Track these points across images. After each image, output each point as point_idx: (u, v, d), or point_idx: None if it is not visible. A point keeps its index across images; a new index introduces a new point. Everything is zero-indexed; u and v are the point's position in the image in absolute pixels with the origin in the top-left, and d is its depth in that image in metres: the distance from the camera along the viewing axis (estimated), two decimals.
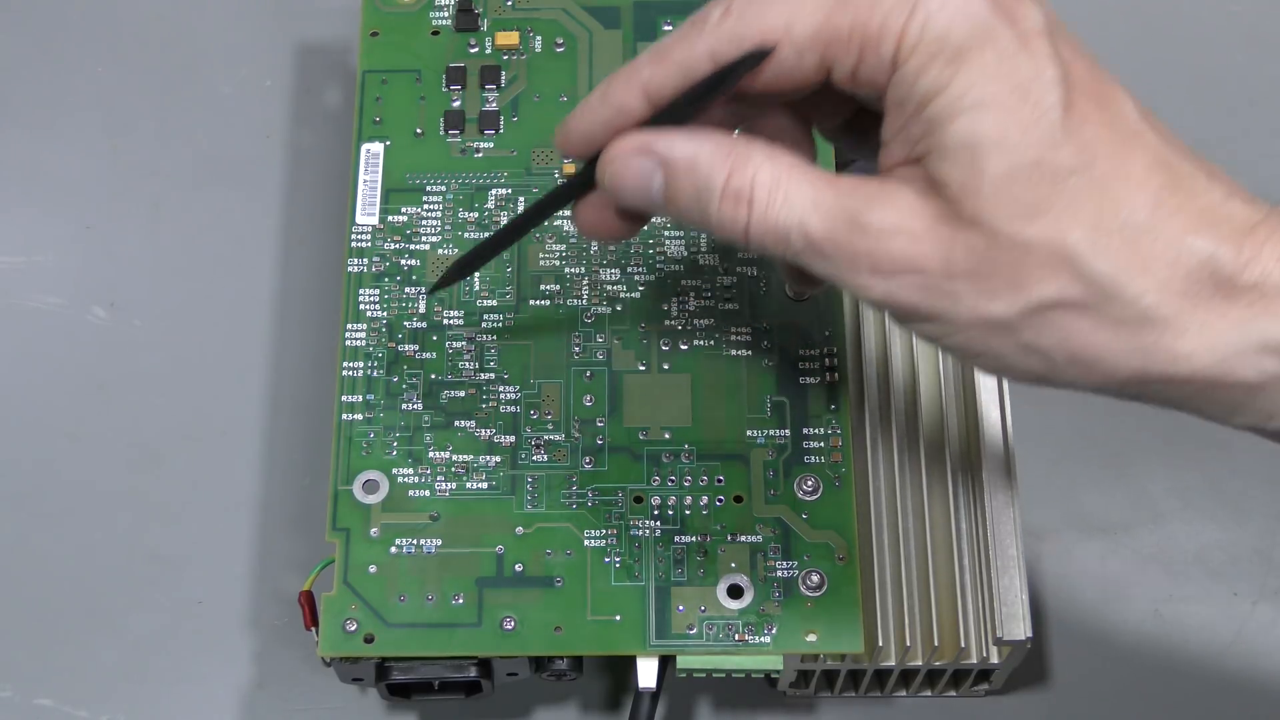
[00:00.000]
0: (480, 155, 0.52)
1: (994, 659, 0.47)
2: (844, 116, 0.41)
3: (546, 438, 0.48)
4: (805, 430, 0.48)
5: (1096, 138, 0.35)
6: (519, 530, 0.47)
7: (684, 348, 0.49)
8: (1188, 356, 0.35)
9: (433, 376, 0.49)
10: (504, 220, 0.51)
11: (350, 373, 0.49)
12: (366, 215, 0.51)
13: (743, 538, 0.47)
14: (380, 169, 0.52)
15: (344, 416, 0.48)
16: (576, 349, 0.49)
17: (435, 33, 0.54)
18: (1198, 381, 0.35)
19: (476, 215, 0.51)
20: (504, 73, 0.54)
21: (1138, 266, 0.34)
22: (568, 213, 0.51)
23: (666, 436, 0.48)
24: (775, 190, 0.36)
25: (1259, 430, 0.36)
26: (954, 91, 0.34)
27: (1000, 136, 0.34)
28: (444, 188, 0.52)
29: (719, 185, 0.37)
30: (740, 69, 0.37)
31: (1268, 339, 0.34)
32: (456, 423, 0.48)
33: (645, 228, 0.43)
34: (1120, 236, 0.34)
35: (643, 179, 0.38)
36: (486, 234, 0.51)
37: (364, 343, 0.49)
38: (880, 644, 0.47)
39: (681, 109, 0.38)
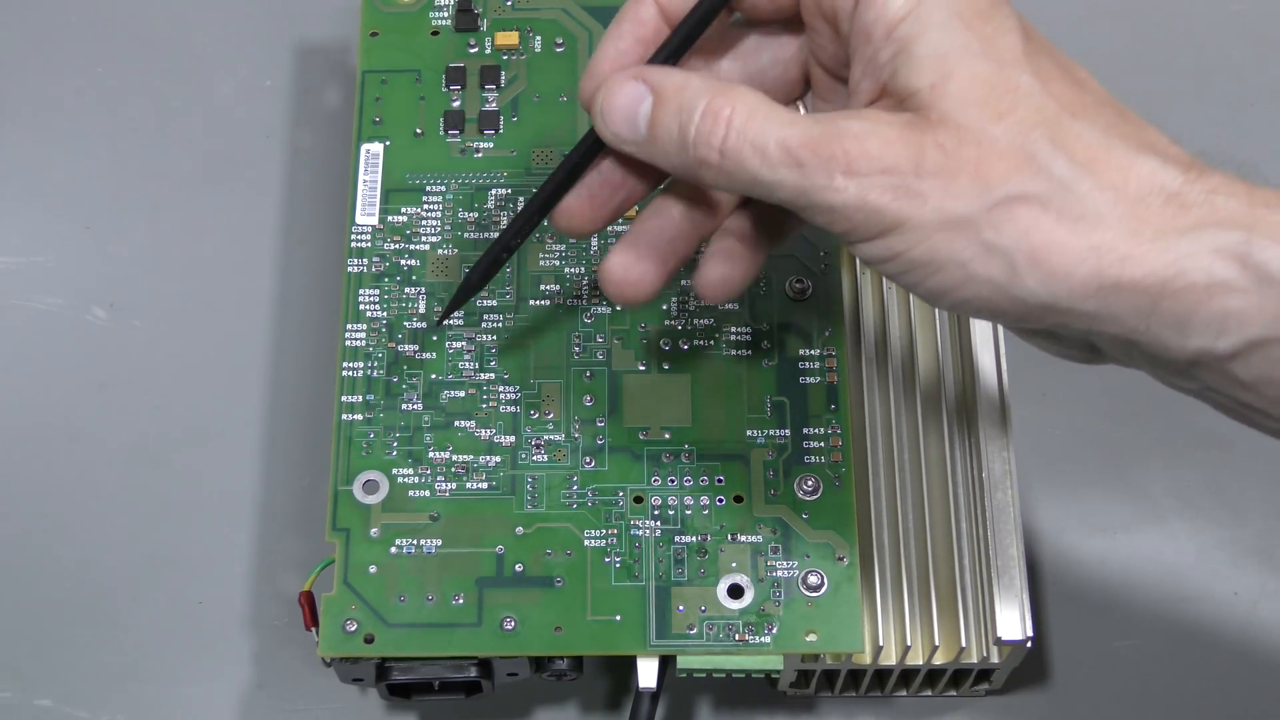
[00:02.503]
0: (480, 155, 0.52)
1: (994, 659, 0.47)
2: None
3: (546, 438, 0.48)
4: (805, 430, 0.48)
5: (1051, 70, 0.37)
6: (519, 530, 0.47)
7: (684, 348, 0.49)
8: (1140, 258, 0.35)
9: (433, 376, 0.49)
10: (503, 220, 0.51)
11: (350, 373, 0.49)
12: (366, 215, 0.51)
13: (743, 538, 0.47)
14: (380, 169, 0.52)
15: (344, 417, 0.48)
16: (576, 349, 0.49)
17: (435, 33, 0.54)
18: (1149, 286, 0.35)
19: (476, 215, 0.51)
20: (504, 73, 0.54)
21: (1095, 170, 0.36)
22: None
23: (666, 436, 0.48)
24: (755, 110, 0.38)
25: (1209, 357, 0.36)
26: (922, 11, 0.37)
27: (967, 48, 0.37)
28: (444, 188, 0.52)
29: (701, 106, 0.38)
30: None
31: (1218, 243, 0.35)
32: (456, 423, 0.48)
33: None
34: (1078, 143, 0.36)
35: (632, 102, 0.39)
36: (489, 233, 0.51)
37: (364, 343, 0.49)
38: (880, 644, 0.47)
39: (680, 41, 0.41)
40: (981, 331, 0.50)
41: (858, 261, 0.51)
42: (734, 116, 0.38)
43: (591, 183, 0.42)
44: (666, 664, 0.46)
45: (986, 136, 0.36)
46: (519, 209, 0.51)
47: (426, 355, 0.49)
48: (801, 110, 0.42)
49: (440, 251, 0.51)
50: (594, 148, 0.41)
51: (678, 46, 0.41)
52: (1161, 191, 0.36)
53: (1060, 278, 0.36)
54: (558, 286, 0.50)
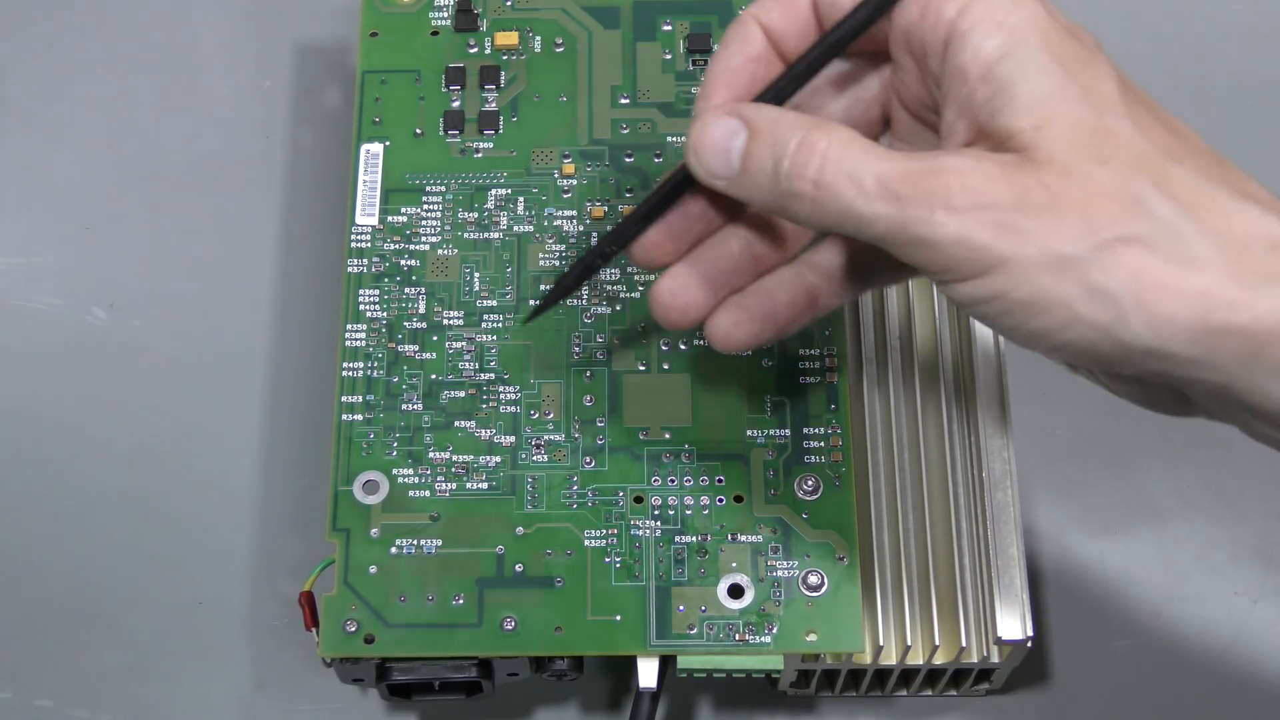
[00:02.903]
0: (480, 155, 0.52)
1: (994, 658, 0.47)
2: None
3: (546, 438, 0.48)
4: (805, 430, 0.48)
5: (1149, 119, 0.37)
6: (519, 530, 0.47)
7: (684, 348, 0.49)
8: (1246, 304, 0.35)
9: (433, 377, 0.49)
10: (503, 220, 0.51)
11: (350, 373, 0.49)
12: (366, 215, 0.51)
13: (743, 538, 0.47)
14: (380, 169, 0.52)
15: (344, 417, 0.48)
16: (576, 349, 0.49)
17: (435, 33, 0.54)
18: (1254, 333, 0.35)
19: (476, 215, 0.51)
20: (503, 73, 0.54)
21: (1199, 214, 0.36)
22: (568, 211, 0.51)
23: (666, 436, 0.48)
24: (852, 143, 0.37)
25: None
26: (1021, 54, 0.37)
27: (1067, 94, 0.36)
28: (443, 188, 0.52)
29: (797, 139, 0.38)
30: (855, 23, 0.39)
31: None
32: (456, 423, 0.48)
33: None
34: (1181, 187, 0.36)
35: (726, 137, 0.39)
36: (489, 233, 0.51)
37: (364, 343, 0.49)
38: (881, 644, 0.47)
39: (787, 83, 0.40)
40: (982, 332, 0.50)
41: None
42: (830, 149, 0.37)
43: (671, 217, 0.42)
44: (667, 664, 0.46)
45: (1091, 179, 0.36)
46: (518, 209, 0.51)
47: (426, 355, 0.49)
48: None
49: (440, 252, 0.51)
50: (686, 181, 0.41)
51: (785, 89, 0.40)
52: (1266, 239, 0.36)
53: (1166, 321, 0.36)
54: None
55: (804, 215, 0.38)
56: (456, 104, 0.53)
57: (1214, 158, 0.38)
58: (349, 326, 0.50)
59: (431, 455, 0.48)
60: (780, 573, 0.46)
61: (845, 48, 0.40)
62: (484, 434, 0.48)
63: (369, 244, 0.51)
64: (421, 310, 0.50)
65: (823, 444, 0.48)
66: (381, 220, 0.51)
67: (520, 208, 0.51)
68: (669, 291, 0.42)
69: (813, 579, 0.46)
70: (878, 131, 0.42)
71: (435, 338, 0.49)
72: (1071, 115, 0.36)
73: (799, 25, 0.41)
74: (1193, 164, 0.37)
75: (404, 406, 0.48)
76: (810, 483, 0.47)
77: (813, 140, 0.38)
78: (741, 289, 0.42)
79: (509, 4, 0.55)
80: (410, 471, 0.48)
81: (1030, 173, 0.36)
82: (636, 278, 0.50)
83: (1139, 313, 0.36)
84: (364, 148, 0.52)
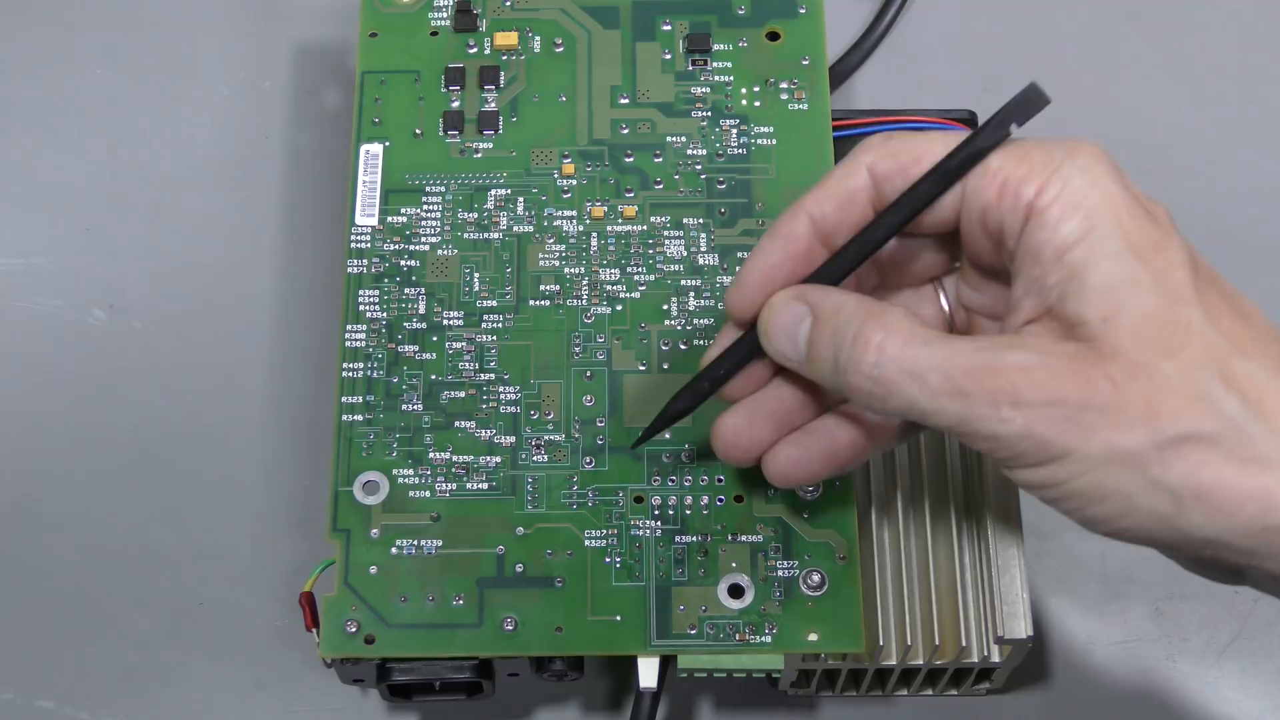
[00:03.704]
0: (479, 156, 0.52)
1: (995, 658, 0.47)
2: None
3: (547, 438, 0.48)
4: None
5: (1219, 305, 0.37)
6: (519, 531, 0.47)
7: (684, 348, 0.49)
8: None
9: (433, 377, 0.49)
10: (503, 221, 0.51)
11: (350, 374, 0.49)
12: (366, 216, 0.51)
13: (743, 537, 0.47)
14: (379, 170, 0.52)
15: (344, 417, 0.48)
16: (576, 349, 0.49)
17: (434, 33, 0.54)
18: None
19: (476, 216, 0.51)
20: (503, 73, 0.54)
21: (1266, 410, 0.36)
22: (568, 212, 0.51)
23: (667, 436, 0.48)
24: (912, 336, 0.38)
25: None
26: (1095, 240, 0.37)
27: (1138, 282, 0.36)
28: (443, 188, 0.52)
29: (853, 331, 0.38)
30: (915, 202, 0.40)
31: None
32: (457, 423, 0.48)
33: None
34: (1249, 383, 0.36)
35: (793, 322, 0.40)
36: (488, 234, 0.51)
37: (364, 344, 0.49)
38: (881, 643, 0.47)
39: (839, 266, 0.41)
40: None
41: None
42: (886, 343, 0.38)
43: (753, 401, 0.43)
44: (667, 664, 0.46)
45: (1158, 373, 0.36)
46: (518, 210, 0.51)
47: (426, 356, 0.49)
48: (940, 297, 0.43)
49: (440, 252, 0.51)
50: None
51: (843, 268, 0.41)
52: None
53: (1226, 515, 0.36)
54: (558, 286, 0.50)
55: (867, 404, 0.39)
56: (456, 104, 0.53)
57: None
58: (349, 327, 0.50)
59: (432, 456, 0.48)
60: (780, 572, 0.46)
61: (910, 222, 0.40)
62: (484, 434, 0.48)
63: (369, 244, 0.51)
64: (421, 311, 0.50)
65: None
66: (381, 221, 0.51)
67: (520, 208, 0.51)
68: (732, 430, 0.43)
69: (813, 578, 0.46)
70: (941, 311, 0.43)
71: (435, 338, 0.49)
72: (1141, 306, 0.36)
73: (854, 220, 0.41)
74: (1261, 356, 0.37)
75: (404, 407, 0.48)
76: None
77: (867, 334, 0.38)
78: (802, 426, 0.43)
79: (508, 4, 0.55)
80: (410, 472, 0.48)
81: (1096, 365, 0.36)
82: (636, 278, 0.50)
83: (1198, 507, 0.36)
84: (363, 148, 0.52)
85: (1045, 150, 0.38)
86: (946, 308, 0.43)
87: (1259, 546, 0.36)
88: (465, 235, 0.51)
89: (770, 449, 0.43)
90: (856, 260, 0.41)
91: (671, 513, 0.47)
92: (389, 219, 0.51)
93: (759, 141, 0.52)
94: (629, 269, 0.50)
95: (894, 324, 0.38)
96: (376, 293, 0.50)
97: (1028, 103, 0.39)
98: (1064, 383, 0.36)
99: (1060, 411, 0.36)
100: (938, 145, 0.39)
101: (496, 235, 0.51)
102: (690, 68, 0.53)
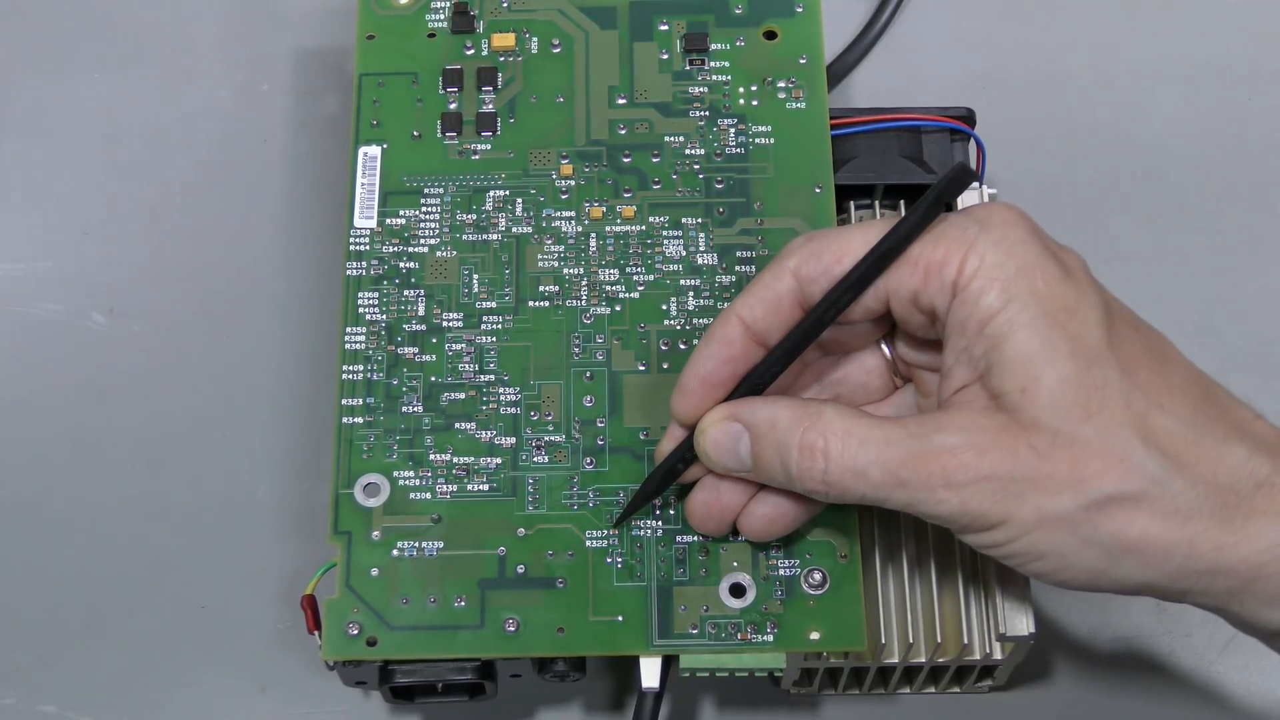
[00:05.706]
0: (478, 157, 0.52)
1: (997, 655, 0.47)
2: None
3: (547, 439, 0.48)
4: None
5: (1136, 355, 0.39)
6: (520, 532, 0.47)
7: (683, 348, 0.49)
8: (1234, 546, 0.38)
9: (432, 379, 0.49)
10: (502, 222, 0.51)
11: (350, 376, 0.49)
12: (364, 218, 0.51)
13: (744, 537, 0.47)
14: (378, 172, 0.52)
15: (344, 420, 0.48)
16: (576, 350, 0.49)
17: (431, 35, 0.54)
18: (1242, 571, 0.38)
19: (474, 217, 0.51)
20: (500, 74, 0.54)
21: (1186, 463, 0.38)
22: (566, 212, 0.51)
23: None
24: (849, 437, 0.40)
25: None
26: (1012, 310, 0.39)
27: (1054, 348, 0.38)
28: (442, 190, 0.52)
29: (796, 440, 0.41)
30: (842, 300, 0.41)
31: None
32: (457, 425, 0.48)
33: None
34: (1168, 436, 0.38)
35: (731, 441, 0.42)
36: (487, 235, 0.51)
37: (364, 346, 0.49)
38: (883, 641, 0.47)
39: (770, 366, 0.43)
40: None
41: None
42: (829, 447, 0.40)
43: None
44: (669, 664, 0.46)
45: (1078, 438, 0.38)
46: (517, 211, 0.51)
47: (426, 358, 0.49)
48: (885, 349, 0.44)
49: (439, 254, 0.51)
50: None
51: (776, 370, 0.43)
52: (1251, 479, 0.38)
53: (1155, 566, 0.38)
54: (557, 287, 0.50)
55: (824, 500, 0.42)
56: (454, 106, 0.53)
57: (1202, 389, 0.39)
58: (348, 329, 0.50)
59: (432, 457, 0.48)
60: (782, 571, 0.46)
61: (832, 322, 0.42)
62: (484, 435, 0.48)
63: (368, 247, 0.51)
64: (421, 312, 0.50)
65: None
66: (380, 223, 0.51)
67: (519, 209, 0.51)
68: (702, 505, 0.45)
69: (815, 577, 0.46)
70: (885, 385, 0.45)
71: (435, 340, 0.49)
72: (1059, 373, 0.38)
73: (783, 321, 0.43)
74: (1180, 403, 0.39)
75: (404, 409, 0.48)
76: None
77: (810, 442, 0.40)
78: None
79: (505, 5, 0.55)
80: (411, 474, 0.48)
81: (1019, 436, 0.38)
82: (636, 278, 0.50)
83: (1128, 559, 0.38)
84: (362, 150, 0.52)
85: (959, 228, 0.40)
86: (890, 356, 0.45)
87: (1190, 586, 0.39)
88: (464, 237, 0.51)
89: (744, 510, 0.44)
90: (788, 360, 0.43)
91: (672, 512, 0.47)
92: (388, 221, 0.51)
93: (757, 141, 0.52)
94: (628, 269, 0.50)
95: (830, 425, 0.40)
96: (376, 295, 0.50)
97: (953, 184, 0.41)
98: (990, 459, 0.38)
99: (990, 485, 0.38)
100: (857, 242, 0.41)
101: (495, 236, 0.51)
102: (688, 67, 0.53)
